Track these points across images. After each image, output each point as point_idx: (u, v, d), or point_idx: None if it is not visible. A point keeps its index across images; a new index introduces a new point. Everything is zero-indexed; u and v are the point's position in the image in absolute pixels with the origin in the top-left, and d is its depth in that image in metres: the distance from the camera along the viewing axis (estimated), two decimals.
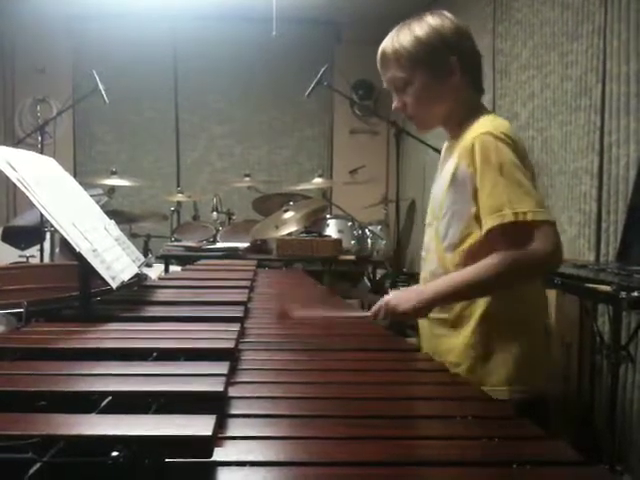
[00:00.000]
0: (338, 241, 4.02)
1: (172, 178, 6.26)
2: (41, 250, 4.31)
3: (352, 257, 4.08)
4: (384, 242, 4.97)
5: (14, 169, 1.25)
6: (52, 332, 1.23)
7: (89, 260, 1.32)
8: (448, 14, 1.44)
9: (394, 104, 1.49)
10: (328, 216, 4.54)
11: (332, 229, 4.32)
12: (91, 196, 1.78)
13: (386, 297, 1.43)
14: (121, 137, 6.27)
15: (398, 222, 4.14)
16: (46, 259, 4.31)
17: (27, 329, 1.27)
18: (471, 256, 1.36)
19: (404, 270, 5.43)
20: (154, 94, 6.20)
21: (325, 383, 1.07)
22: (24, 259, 4.38)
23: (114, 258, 1.50)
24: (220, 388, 0.88)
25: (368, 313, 1.46)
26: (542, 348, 1.45)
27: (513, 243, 1.27)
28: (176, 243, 4.34)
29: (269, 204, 4.71)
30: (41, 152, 3.68)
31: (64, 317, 1.42)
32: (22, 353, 1.08)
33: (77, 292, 1.40)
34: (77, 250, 1.30)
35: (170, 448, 0.70)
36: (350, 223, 4.37)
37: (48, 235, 4.38)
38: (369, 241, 4.44)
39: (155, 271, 3.90)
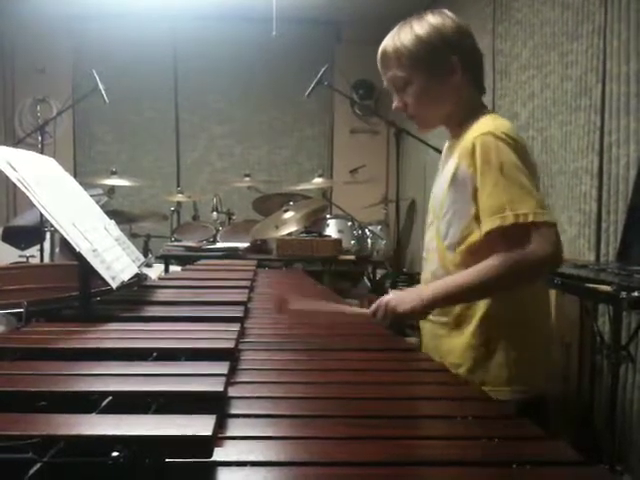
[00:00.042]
0: (338, 241, 4.02)
1: (172, 178, 6.26)
2: (41, 250, 4.31)
3: (352, 257, 4.08)
4: (384, 242, 4.97)
5: (14, 169, 1.25)
6: (52, 332, 1.23)
7: (89, 260, 1.32)
8: (449, 13, 1.44)
9: (395, 104, 1.48)
10: (328, 216, 4.54)
11: (332, 229, 4.32)
12: (91, 196, 1.78)
13: (386, 297, 1.43)
14: (121, 137, 6.27)
15: (398, 222, 4.14)
16: (46, 259, 4.31)
17: (27, 329, 1.26)
18: (471, 256, 1.36)
19: (404, 270, 5.44)
20: (154, 94, 6.20)
21: (325, 383, 1.07)
22: (24, 259, 4.38)
23: (114, 258, 1.50)
24: (220, 388, 0.88)
25: (367, 310, 1.46)
26: (543, 349, 1.45)
27: (514, 245, 1.26)
28: (176, 243, 4.34)
29: (269, 204, 4.71)
30: (41, 152, 3.68)
31: (64, 317, 1.42)
32: (22, 353, 1.08)
33: (77, 292, 1.39)
34: (77, 250, 1.30)
35: (170, 448, 0.70)
36: (350, 223, 4.37)
37: (48, 235, 4.38)
38: (369, 241, 4.45)
39: (155, 271, 3.90)
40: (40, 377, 0.94)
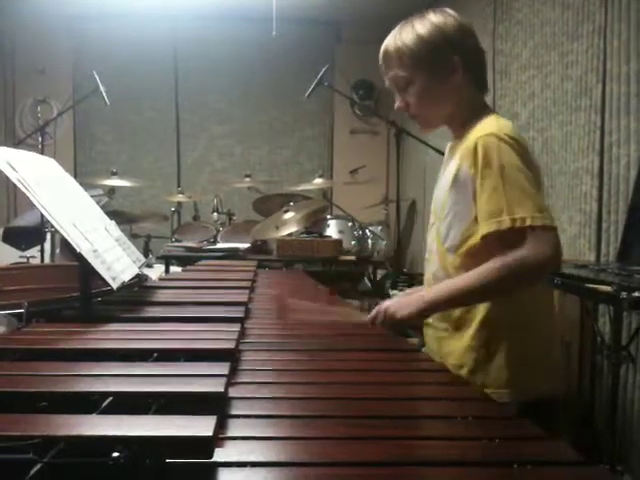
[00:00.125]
0: (338, 241, 4.02)
1: (172, 178, 6.26)
2: (41, 251, 4.31)
3: (352, 257, 4.08)
4: (384, 242, 4.97)
5: (14, 169, 1.25)
6: (53, 333, 1.23)
7: (90, 261, 1.32)
8: (451, 11, 1.42)
9: (396, 104, 1.48)
10: (328, 216, 4.54)
11: (332, 229, 4.32)
12: (91, 197, 1.78)
13: (385, 303, 1.43)
14: (121, 137, 6.27)
15: (398, 222, 4.15)
16: (46, 260, 4.31)
17: (28, 330, 1.27)
18: (471, 259, 1.35)
19: (404, 270, 5.44)
20: (154, 94, 6.20)
21: (326, 383, 1.07)
22: (25, 260, 4.39)
23: (114, 259, 1.50)
24: (221, 389, 0.88)
25: (366, 319, 1.46)
26: (544, 351, 1.44)
27: (511, 249, 1.25)
28: (176, 244, 4.34)
29: (269, 204, 4.71)
30: (41, 152, 3.68)
31: (65, 318, 1.42)
32: (23, 354, 1.08)
33: (78, 293, 1.40)
34: (78, 251, 1.30)
35: (171, 449, 0.70)
36: (350, 223, 4.37)
37: (48, 236, 4.38)
38: (369, 241, 4.44)
39: (156, 272, 3.90)
40: (41, 378, 0.94)
